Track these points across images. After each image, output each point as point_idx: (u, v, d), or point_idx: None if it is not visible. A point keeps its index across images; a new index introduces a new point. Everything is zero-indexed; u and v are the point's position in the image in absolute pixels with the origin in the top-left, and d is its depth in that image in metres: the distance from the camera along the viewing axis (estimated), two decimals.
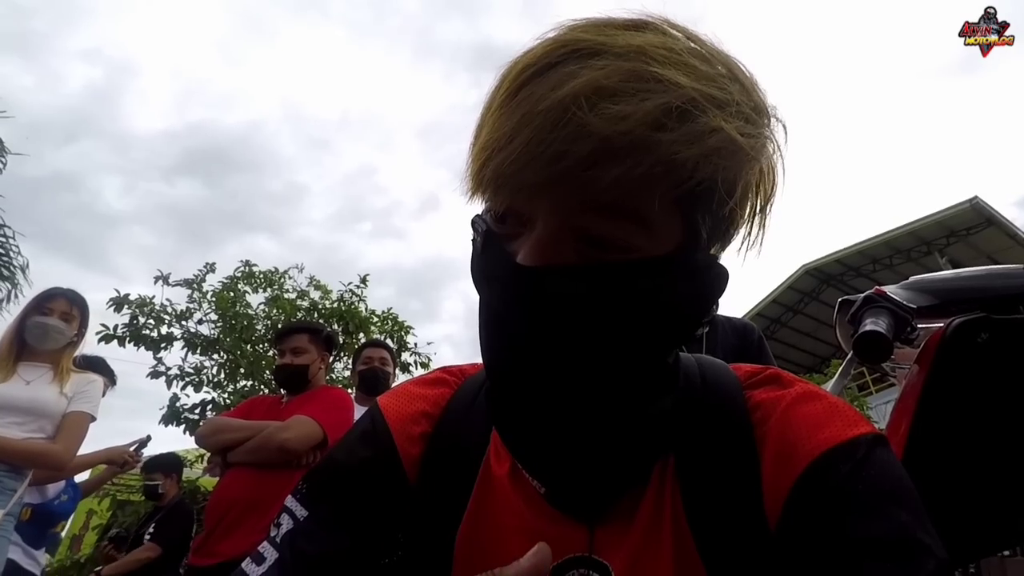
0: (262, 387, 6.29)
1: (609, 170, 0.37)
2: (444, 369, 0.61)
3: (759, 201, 0.46)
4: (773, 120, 0.44)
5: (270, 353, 6.54)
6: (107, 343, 6.02)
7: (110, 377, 3.03)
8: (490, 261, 0.45)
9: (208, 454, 3.30)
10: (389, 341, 7.10)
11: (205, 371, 6.30)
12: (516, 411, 0.46)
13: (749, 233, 0.47)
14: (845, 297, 1.08)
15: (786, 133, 0.45)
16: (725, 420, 0.48)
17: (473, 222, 0.47)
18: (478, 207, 0.47)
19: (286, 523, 0.50)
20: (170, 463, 3.96)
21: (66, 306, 2.34)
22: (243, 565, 0.49)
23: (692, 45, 0.42)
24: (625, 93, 0.37)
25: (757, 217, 0.46)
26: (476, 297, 0.48)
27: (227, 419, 2.34)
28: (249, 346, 6.59)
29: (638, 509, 0.46)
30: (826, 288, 16.38)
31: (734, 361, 0.55)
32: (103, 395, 2.48)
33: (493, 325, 0.45)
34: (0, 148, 4.99)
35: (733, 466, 0.46)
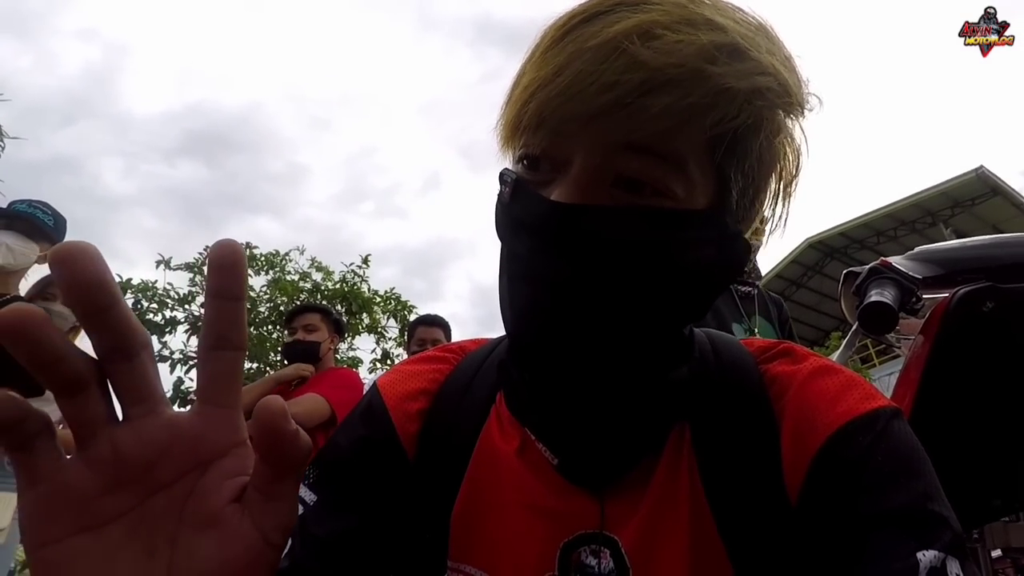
0: (267, 369, 6.34)
1: (659, 98, 0.37)
2: (444, 347, 0.61)
3: (783, 181, 0.46)
4: (805, 91, 0.44)
5: (274, 336, 6.58)
6: None
7: None
8: (520, 206, 0.43)
9: None
10: (392, 321, 7.16)
11: None
12: (536, 367, 0.45)
13: (774, 212, 0.47)
14: (850, 269, 1.08)
15: (820, 103, 0.45)
16: (743, 394, 0.48)
17: (501, 175, 0.46)
18: (505, 163, 0.47)
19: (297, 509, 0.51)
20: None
21: None
22: None
23: (732, 7, 0.43)
24: (678, 31, 0.38)
25: (781, 196, 0.47)
26: (479, 279, 0.46)
27: None
28: (252, 328, 6.63)
29: (651, 479, 0.46)
30: (830, 261, 16.29)
31: (781, 330, 0.55)
32: None
33: (519, 275, 0.44)
34: None
35: (752, 439, 0.46)
